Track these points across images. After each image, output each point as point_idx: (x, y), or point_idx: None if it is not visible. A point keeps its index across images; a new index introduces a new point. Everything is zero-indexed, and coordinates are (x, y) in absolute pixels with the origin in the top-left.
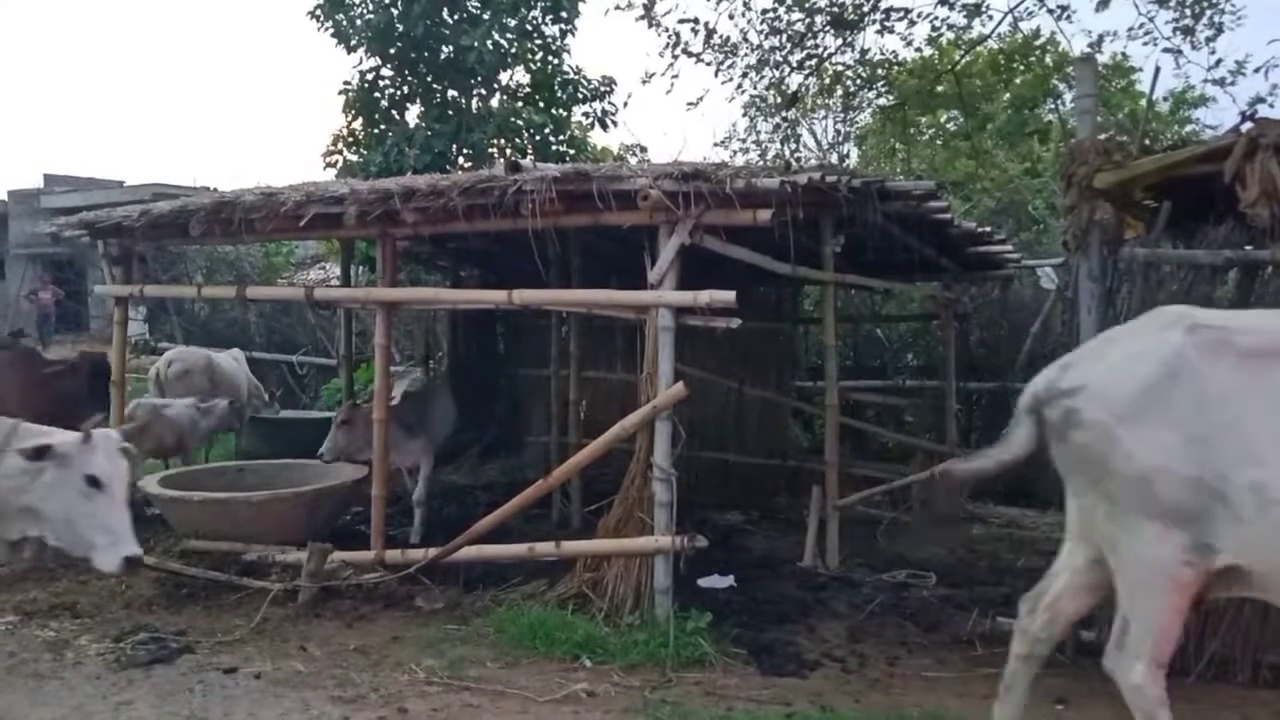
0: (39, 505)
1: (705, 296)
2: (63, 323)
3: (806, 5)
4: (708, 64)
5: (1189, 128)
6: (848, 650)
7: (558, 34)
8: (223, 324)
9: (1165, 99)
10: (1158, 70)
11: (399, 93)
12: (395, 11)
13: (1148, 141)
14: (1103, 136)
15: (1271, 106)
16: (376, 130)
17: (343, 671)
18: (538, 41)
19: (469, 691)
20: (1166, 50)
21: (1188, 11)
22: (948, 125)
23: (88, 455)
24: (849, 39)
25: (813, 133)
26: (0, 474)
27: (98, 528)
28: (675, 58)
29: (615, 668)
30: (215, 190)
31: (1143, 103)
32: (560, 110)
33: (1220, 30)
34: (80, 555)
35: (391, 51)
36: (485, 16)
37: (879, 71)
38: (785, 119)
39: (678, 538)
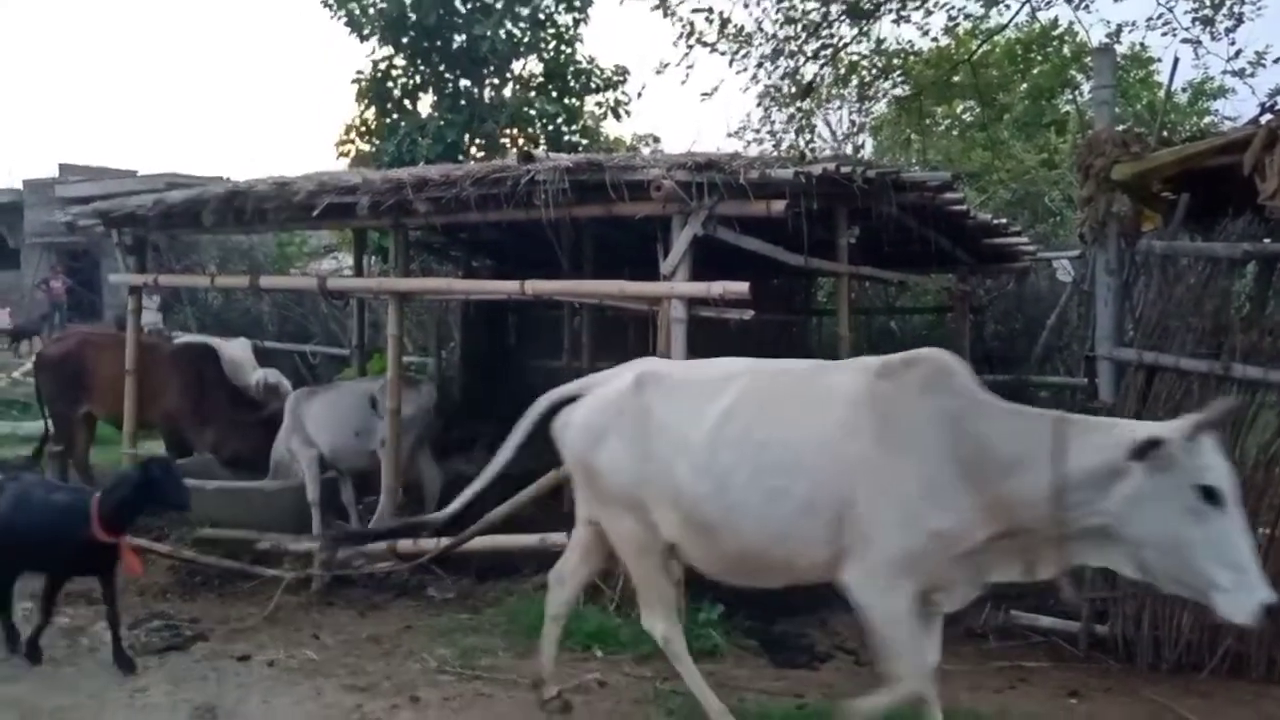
0: (1118, 524)
1: (718, 288)
2: (75, 312)
3: None
4: (722, 54)
5: (1208, 119)
6: (859, 643)
7: (571, 23)
8: (236, 314)
9: (1184, 90)
10: (1176, 61)
11: (411, 82)
12: (408, 0)
13: (1166, 133)
14: (1120, 128)
15: None
16: (389, 120)
17: (355, 660)
18: (551, 31)
19: (481, 680)
20: (1185, 41)
21: (1207, 2)
22: (964, 116)
23: (1199, 458)
24: (865, 28)
25: (828, 123)
26: (1073, 481)
27: (1218, 561)
28: (690, 47)
29: (627, 658)
30: (228, 180)
31: (1161, 94)
32: (573, 100)
33: (1240, 21)
34: (1189, 594)
35: (404, 40)
36: (498, 5)
37: (895, 61)
38: (800, 109)
39: None
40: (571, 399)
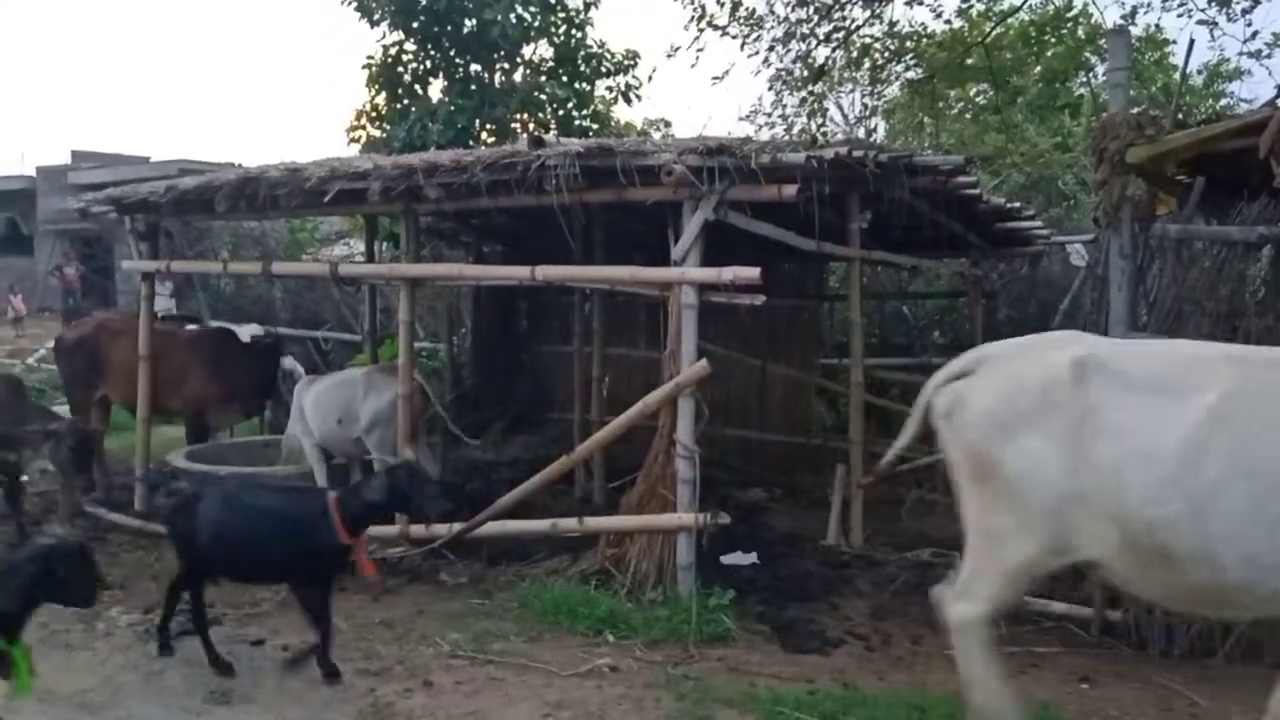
0: None
1: (729, 273)
2: (88, 298)
3: None
4: (733, 37)
5: (1223, 102)
6: (871, 628)
7: (581, 6)
8: (249, 300)
9: (1199, 72)
10: (1192, 43)
11: (422, 67)
12: None
13: (1181, 116)
14: (1135, 110)
15: None
16: (400, 105)
17: (369, 644)
18: (561, 15)
19: (493, 665)
20: (1201, 22)
21: None
22: (977, 99)
23: None
24: (877, 11)
25: (839, 107)
26: None
27: None
28: (700, 31)
29: (638, 643)
30: (240, 166)
31: (1176, 76)
32: (584, 84)
33: (1257, 1)
34: None
35: (414, 25)
36: None
37: (907, 44)
38: (812, 93)
39: (700, 515)
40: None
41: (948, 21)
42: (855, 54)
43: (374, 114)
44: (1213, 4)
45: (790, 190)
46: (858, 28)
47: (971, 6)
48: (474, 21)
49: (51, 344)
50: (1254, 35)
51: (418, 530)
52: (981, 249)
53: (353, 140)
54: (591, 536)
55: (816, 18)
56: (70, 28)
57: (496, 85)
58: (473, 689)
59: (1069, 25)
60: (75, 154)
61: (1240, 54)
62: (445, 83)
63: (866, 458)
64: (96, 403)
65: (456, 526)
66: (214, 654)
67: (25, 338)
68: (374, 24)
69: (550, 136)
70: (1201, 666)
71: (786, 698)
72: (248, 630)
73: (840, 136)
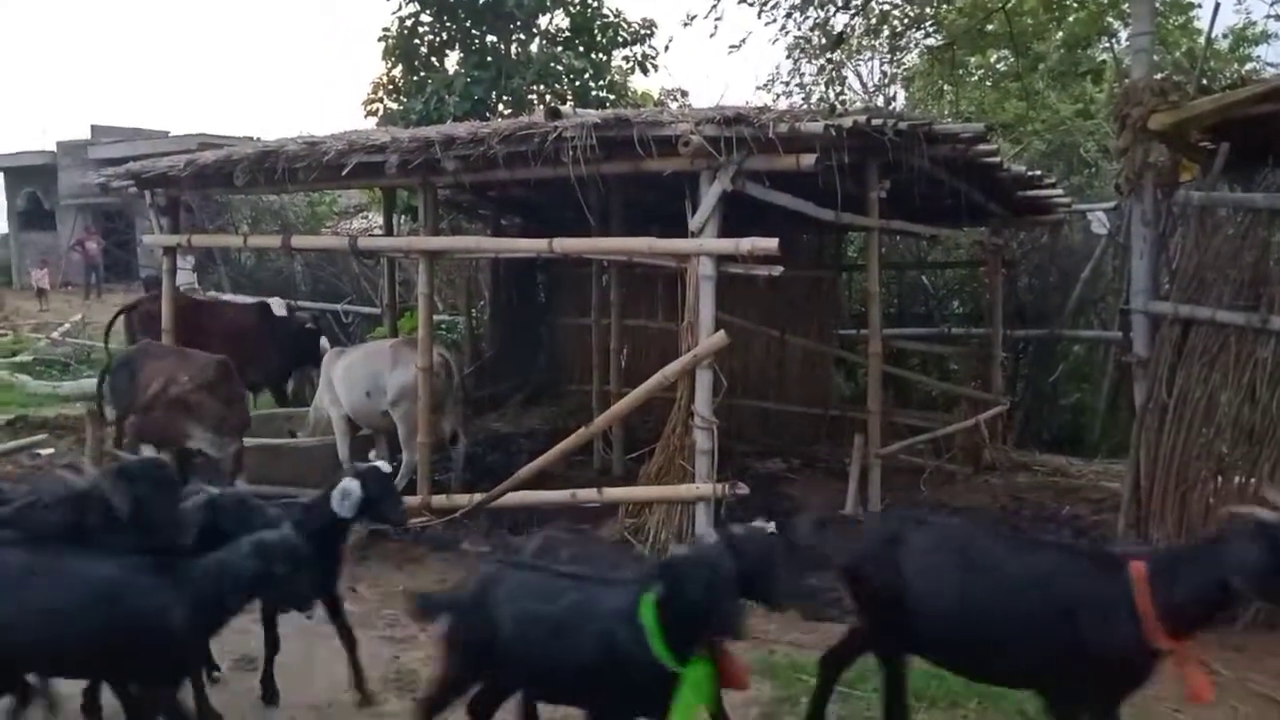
0: None
1: (747, 244)
2: (111, 272)
3: None
4: (751, 5)
5: (1249, 66)
6: None
7: None
8: (269, 273)
9: (1225, 36)
10: (1217, 6)
11: (438, 39)
12: None
13: (1205, 81)
14: (1159, 76)
15: None
16: (416, 78)
17: (392, 613)
18: None
19: None
20: None
21: None
22: (998, 65)
23: None
24: None
25: (858, 75)
26: None
27: None
28: None
29: None
30: (259, 140)
31: (1201, 40)
32: (600, 55)
33: None
34: None
35: None
36: None
37: (927, 10)
38: (830, 61)
39: (719, 485)
40: None
41: None
42: (874, 21)
43: (391, 87)
44: None
45: (808, 160)
46: None
47: None
48: None
49: (118, 313)
50: None
51: (439, 500)
52: (1002, 218)
53: (370, 113)
54: (610, 507)
55: None
56: (90, 2)
57: (513, 56)
58: None
59: None
60: (95, 129)
61: (1267, 17)
62: (461, 55)
63: (884, 427)
64: None
65: (478, 497)
66: None
67: (49, 311)
68: None
69: (567, 108)
70: (1222, 634)
71: (805, 665)
72: None
73: (859, 105)
